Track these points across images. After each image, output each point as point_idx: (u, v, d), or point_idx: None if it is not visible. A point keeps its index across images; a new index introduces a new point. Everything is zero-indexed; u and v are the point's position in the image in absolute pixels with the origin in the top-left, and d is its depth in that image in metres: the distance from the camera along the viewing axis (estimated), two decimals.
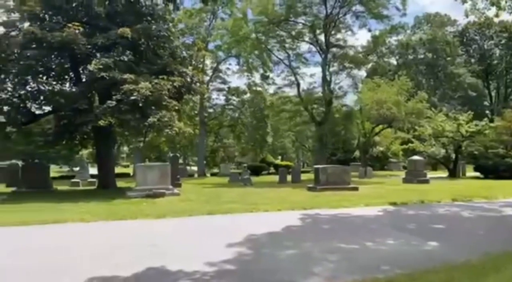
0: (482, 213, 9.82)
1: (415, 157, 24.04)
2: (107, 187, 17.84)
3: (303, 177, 25.34)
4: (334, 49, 31.98)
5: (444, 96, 56.99)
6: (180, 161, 36.88)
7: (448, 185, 20.02)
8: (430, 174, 26.41)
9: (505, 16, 38.45)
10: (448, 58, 57.84)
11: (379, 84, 32.21)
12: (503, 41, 58.87)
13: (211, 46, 38.57)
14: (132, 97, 14.09)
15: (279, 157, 59.79)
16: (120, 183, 20.37)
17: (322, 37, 31.08)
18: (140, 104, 14.54)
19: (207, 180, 28.81)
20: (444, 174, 29.72)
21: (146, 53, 17.62)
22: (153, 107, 15.24)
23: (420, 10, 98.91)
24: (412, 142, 32.33)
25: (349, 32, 32.43)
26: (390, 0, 29.73)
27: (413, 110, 30.60)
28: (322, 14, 30.56)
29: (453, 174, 28.07)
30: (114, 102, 14.35)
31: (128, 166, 56.20)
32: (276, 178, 25.02)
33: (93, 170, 25.30)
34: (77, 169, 32.21)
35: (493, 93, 62.75)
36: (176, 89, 16.54)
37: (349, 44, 32.77)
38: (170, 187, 14.63)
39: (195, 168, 42.01)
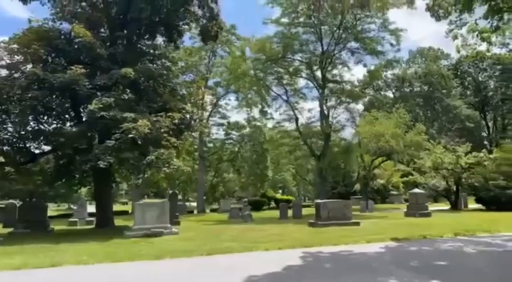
0: (485, 248, 9.66)
1: (416, 190, 23.92)
2: (105, 226, 17.61)
3: (304, 211, 25.09)
4: (331, 85, 32.55)
5: (442, 128, 57.41)
6: (179, 197, 36.64)
7: (450, 218, 19.79)
8: (431, 207, 26.20)
9: (497, 50, 39.43)
10: (444, 91, 58.86)
11: (377, 117, 32.57)
12: (497, 73, 60.10)
13: (210, 82, 39.41)
14: (131, 135, 14.18)
15: (280, 191, 59.43)
16: (118, 221, 20.12)
17: (319, 73, 31.74)
18: (139, 142, 14.64)
19: (206, 217, 28.48)
20: (445, 206, 29.46)
21: (147, 92, 17.94)
22: (152, 145, 15.31)
23: (412, 45, 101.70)
24: (412, 174, 32.30)
25: (345, 68, 33.18)
26: (384, 37, 30.61)
27: (411, 142, 30.76)
28: (318, 51, 31.38)
29: (455, 206, 27.85)
30: (113, 141, 14.44)
31: (126, 203, 55.72)
32: (277, 213, 24.74)
33: (92, 208, 25.06)
34: (75, 207, 31.90)
35: (490, 124, 63.29)
36: (175, 126, 16.72)
37: (345, 79, 33.44)
38: (169, 225, 14.44)
39: (194, 204, 41.64)
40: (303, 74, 33.14)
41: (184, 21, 20.03)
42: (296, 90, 34.06)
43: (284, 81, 33.20)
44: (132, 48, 18.76)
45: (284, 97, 33.51)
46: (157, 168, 16.46)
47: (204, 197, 39.52)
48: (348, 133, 37.79)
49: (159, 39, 20.82)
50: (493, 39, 15.20)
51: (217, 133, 41.75)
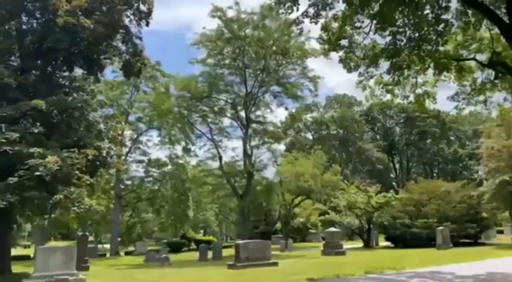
0: None
1: (332, 229, 24.87)
2: (1, 273, 15.54)
3: (226, 252, 24.63)
4: (254, 125, 33.44)
5: (356, 169, 61.59)
6: (91, 238, 33.92)
7: (362, 255, 20.80)
8: (346, 244, 27.37)
9: (400, 100, 43.86)
10: (357, 134, 63.69)
11: (297, 158, 34.03)
12: (402, 121, 66.88)
13: (132, 117, 38.21)
14: (37, 173, 13.02)
15: (201, 231, 58.02)
16: (18, 267, 17.95)
17: (243, 113, 32.50)
18: (47, 180, 13.48)
19: (120, 260, 26.62)
20: (359, 244, 30.96)
21: (59, 126, 16.80)
22: (61, 183, 14.18)
23: (329, 91, 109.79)
24: (329, 213, 33.73)
25: (268, 110, 34.42)
26: (304, 83, 32.63)
27: (328, 182, 32.43)
28: (242, 92, 32.33)
29: (367, 243, 29.38)
30: (16, 178, 13.11)
31: (29, 246, 49.98)
32: (196, 254, 23.95)
33: None
34: None
35: (397, 166, 69.40)
36: (90, 163, 15.76)
37: (268, 121, 34.61)
38: (75, 271, 13.15)
39: (108, 246, 38.72)
40: (228, 114, 33.72)
41: (106, 55, 19.48)
42: (221, 129, 34.38)
43: (209, 120, 33.39)
44: (47, 79, 17.69)
45: (209, 135, 33.60)
46: (65, 208, 15.19)
47: (119, 239, 37.02)
48: (270, 172, 38.81)
49: (78, 71, 19.95)
50: (396, 91, 17.05)
51: (136, 170, 39.98)
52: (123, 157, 34.89)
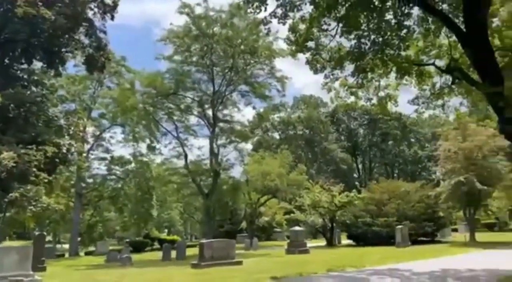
0: None
1: (297, 228, 25.20)
2: None
3: (190, 251, 24.38)
4: (221, 124, 33.28)
5: (320, 169, 62.75)
6: (50, 238, 32.61)
7: (325, 254, 21.21)
8: (310, 243, 27.82)
9: (363, 102, 45.04)
10: (323, 135, 64.91)
11: (264, 157, 34.22)
12: (365, 122, 68.77)
13: (95, 113, 37.03)
14: None
15: (166, 230, 57.16)
16: None
17: (210, 112, 32.27)
18: (1, 177, 12.84)
19: (80, 260, 25.79)
20: (322, 242, 31.56)
21: (16, 121, 16.04)
22: (17, 181, 13.55)
23: (296, 92, 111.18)
24: (294, 212, 34.16)
25: (236, 109, 34.32)
26: (271, 83, 32.79)
27: (294, 181, 32.82)
28: (210, 90, 32.10)
29: (330, 242, 30.01)
30: None
31: None
32: (160, 254, 23.58)
33: None
34: None
35: (360, 167, 71.31)
36: (48, 160, 15.15)
37: (236, 120, 34.53)
38: (31, 272, 12.60)
39: (67, 246, 37.34)
40: (195, 112, 33.35)
41: (68, 48, 18.79)
42: (187, 127, 33.94)
43: (175, 118, 32.89)
44: (3, 71, 16.89)
45: (174, 133, 33.08)
46: (21, 206, 14.53)
47: (79, 239, 35.80)
48: (236, 171, 38.72)
49: (38, 64, 19.11)
50: (360, 93, 17.50)
51: (99, 168, 38.73)
52: (84, 154, 33.78)
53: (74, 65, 31.74)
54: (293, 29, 14.29)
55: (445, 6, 13.63)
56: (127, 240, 38.31)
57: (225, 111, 33.79)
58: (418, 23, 14.19)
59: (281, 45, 27.54)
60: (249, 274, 12.43)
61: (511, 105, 10.30)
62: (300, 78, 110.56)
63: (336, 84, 16.72)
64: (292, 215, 34.28)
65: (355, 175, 69.12)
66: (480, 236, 27.15)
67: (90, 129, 35.91)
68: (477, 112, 25.48)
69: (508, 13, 13.44)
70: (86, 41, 19.01)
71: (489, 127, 24.04)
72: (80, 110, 31.22)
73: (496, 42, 13.68)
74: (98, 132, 37.19)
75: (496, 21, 14.51)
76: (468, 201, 25.56)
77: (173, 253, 23.06)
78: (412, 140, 68.72)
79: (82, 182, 35.88)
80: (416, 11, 13.42)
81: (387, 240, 24.82)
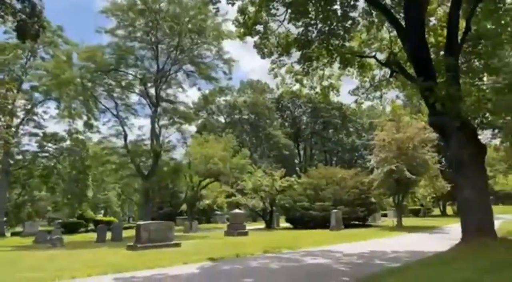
0: (286, 263, 10.85)
1: (236, 210, 25.51)
2: None
3: (127, 233, 23.82)
4: (164, 104, 32.36)
5: (263, 154, 63.69)
6: None
7: (263, 236, 21.72)
8: (250, 226, 28.35)
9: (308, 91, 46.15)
10: (267, 121, 65.72)
11: (208, 140, 33.91)
12: (309, 110, 70.58)
13: (26, 86, 34.23)
14: None
15: (102, 212, 55.15)
16: None
17: (152, 91, 31.21)
18: None
19: (6, 241, 24.21)
20: (262, 225, 32.27)
21: None
22: None
23: (243, 76, 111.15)
24: (235, 196, 34.47)
25: (180, 89, 33.48)
26: (218, 64, 32.28)
27: (237, 165, 32.96)
28: (153, 68, 30.99)
29: (269, 225, 30.78)
30: None
31: None
32: (94, 236, 22.73)
33: None
34: None
35: (301, 153, 73.43)
36: None
37: (179, 100, 33.72)
38: None
39: None
40: (136, 90, 32.04)
41: None
42: (128, 106, 32.54)
43: (115, 95, 31.36)
44: None
45: (114, 111, 31.55)
46: None
47: (5, 219, 33.37)
48: (179, 154, 38.08)
49: None
50: (305, 81, 17.87)
51: (29, 144, 36.00)
52: (13, 129, 31.28)
53: (4, 32, 29.12)
54: (242, 11, 14.19)
55: (388, 1, 14.21)
56: (59, 220, 36.45)
57: (169, 91, 32.92)
58: (362, 16, 14.69)
59: (230, 27, 27.19)
60: (187, 255, 12.38)
61: (440, 101, 11.06)
62: (247, 63, 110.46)
63: (283, 70, 16.97)
64: (233, 198, 34.56)
65: (296, 161, 71.05)
66: (406, 221, 29.33)
67: (20, 102, 33.23)
68: (411, 105, 27.20)
69: (444, 13, 14.31)
70: (18, 5, 17.25)
71: (421, 120, 25.72)
72: (8, 80, 28.67)
73: (432, 39, 14.57)
74: (29, 106, 34.47)
75: (433, 20, 15.43)
76: (397, 188, 27.36)
77: (109, 235, 22.35)
78: (351, 129, 71.80)
79: (10, 159, 33.27)
80: (361, 3, 13.86)
81: (323, 223, 25.94)
